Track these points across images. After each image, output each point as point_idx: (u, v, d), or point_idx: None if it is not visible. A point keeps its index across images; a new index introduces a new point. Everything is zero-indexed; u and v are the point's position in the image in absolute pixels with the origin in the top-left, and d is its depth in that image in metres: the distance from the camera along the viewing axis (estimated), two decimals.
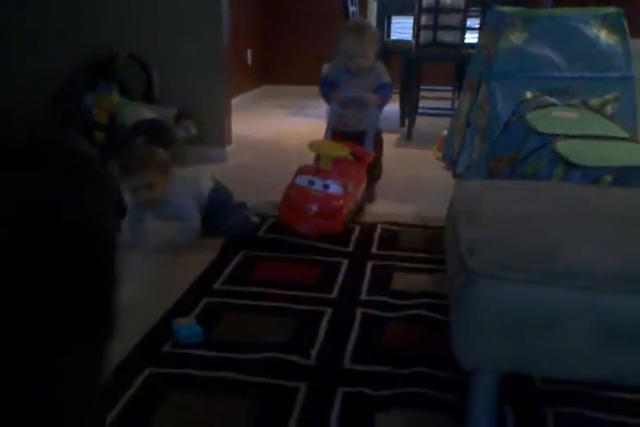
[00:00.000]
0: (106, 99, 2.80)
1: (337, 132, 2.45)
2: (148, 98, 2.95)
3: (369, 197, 2.50)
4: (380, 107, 2.39)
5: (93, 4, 3.00)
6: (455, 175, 2.74)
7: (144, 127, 2.74)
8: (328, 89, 2.42)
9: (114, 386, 1.24)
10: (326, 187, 2.08)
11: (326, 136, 2.41)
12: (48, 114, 2.82)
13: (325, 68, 2.51)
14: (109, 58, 2.90)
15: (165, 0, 2.97)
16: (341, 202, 2.08)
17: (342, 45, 2.34)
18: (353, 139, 2.36)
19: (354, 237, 2.11)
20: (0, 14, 3.05)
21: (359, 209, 2.30)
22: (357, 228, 2.19)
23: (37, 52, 3.05)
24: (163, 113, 2.86)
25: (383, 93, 2.37)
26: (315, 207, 2.05)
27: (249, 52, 4.99)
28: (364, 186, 2.33)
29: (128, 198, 1.94)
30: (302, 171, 2.15)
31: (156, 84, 2.95)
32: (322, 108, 4.65)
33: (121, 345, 1.39)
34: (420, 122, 3.80)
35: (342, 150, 2.20)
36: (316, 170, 2.15)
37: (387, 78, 2.42)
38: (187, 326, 1.45)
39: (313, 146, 2.18)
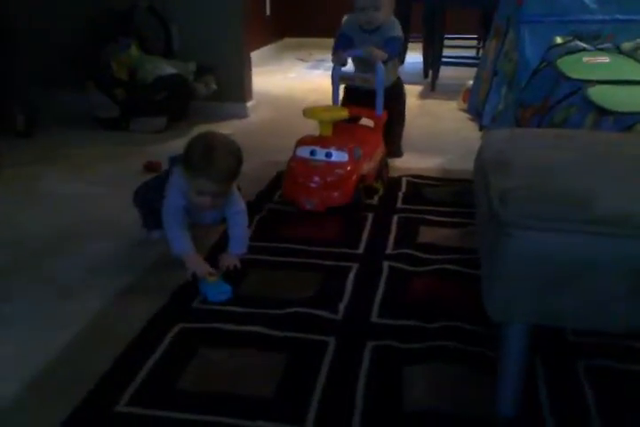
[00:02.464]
0: (125, 54, 2.75)
1: (349, 89, 2.33)
2: (167, 52, 2.90)
3: (394, 153, 2.39)
4: (386, 61, 2.17)
5: None
6: (481, 127, 2.69)
7: (164, 83, 2.70)
8: (337, 46, 2.28)
9: (147, 342, 1.26)
10: (329, 155, 1.88)
11: (334, 101, 2.25)
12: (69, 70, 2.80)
13: (344, 21, 2.34)
14: (128, 10, 2.84)
15: None
16: (347, 170, 1.87)
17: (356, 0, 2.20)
18: (366, 96, 2.19)
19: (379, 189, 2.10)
20: None
21: (377, 176, 2.11)
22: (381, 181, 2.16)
23: (55, 5, 3.00)
24: (183, 68, 2.81)
25: (390, 47, 2.18)
26: (317, 179, 1.86)
27: (267, 3, 4.86)
28: (380, 150, 2.13)
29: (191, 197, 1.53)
30: (302, 141, 1.95)
31: (175, 38, 2.90)
32: None
33: (151, 302, 1.41)
34: (444, 72, 3.71)
35: (340, 112, 1.99)
36: (316, 138, 1.95)
37: (397, 31, 2.24)
38: (214, 283, 1.45)
39: (307, 112, 1.95)
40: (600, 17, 2.28)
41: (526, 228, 0.95)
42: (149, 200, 1.65)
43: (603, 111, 1.62)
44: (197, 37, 2.97)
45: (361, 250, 1.68)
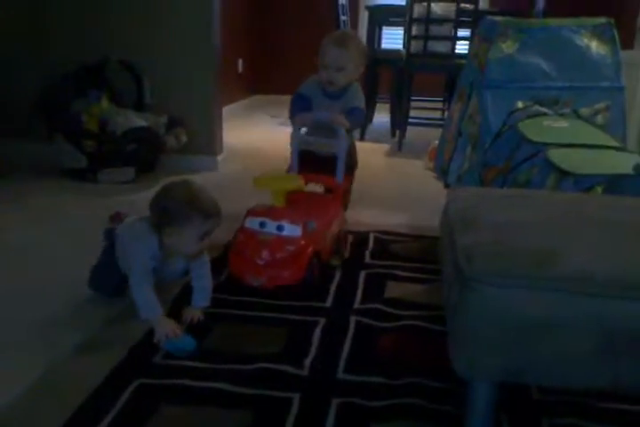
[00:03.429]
0: (95, 106, 2.78)
1: (303, 153, 2.06)
2: (138, 105, 2.93)
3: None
4: (349, 131, 2.02)
5: (84, 9, 2.99)
6: (446, 185, 2.75)
7: (134, 135, 2.71)
8: (297, 109, 2.08)
9: (102, 398, 1.22)
10: (280, 229, 1.71)
11: (291, 167, 2.05)
12: (37, 121, 2.79)
13: (307, 80, 2.14)
14: (99, 63, 2.88)
15: (157, 8, 2.97)
16: (299, 245, 1.70)
17: (320, 56, 2.02)
18: (324, 163, 2.03)
19: (347, 245, 2.10)
20: None
21: (335, 250, 1.93)
22: (350, 237, 2.17)
23: (25, 57, 3.03)
24: (153, 121, 2.84)
25: (352, 117, 2.00)
26: (266, 255, 1.68)
27: (240, 62, 4.99)
28: (338, 222, 1.96)
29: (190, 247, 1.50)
30: (252, 211, 1.77)
31: (147, 92, 2.93)
32: None
33: (109, 357, 1.36)
34: (411, 132, 3.81)
35: (295, 182, 1.80)
36: (268, 209, 1.77)
37: (360, 102, 2.07)
38: (177, 338, 1.41)
39: (258, 181, 1.75)
40: (559, 84, 2.39)
41: (490, 284, 0.96)
42: (107, 280, 1.62)
43: (563, 173, 1.68)
44: (170, 91, 3.01)
45: (328, 304, 1.68)
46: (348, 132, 2.01)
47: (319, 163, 2.05)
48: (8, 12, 3.00)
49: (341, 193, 2.04)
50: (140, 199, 2.57)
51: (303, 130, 2.11)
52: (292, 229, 1.71)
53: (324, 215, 1.88)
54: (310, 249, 1.72)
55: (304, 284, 1.70)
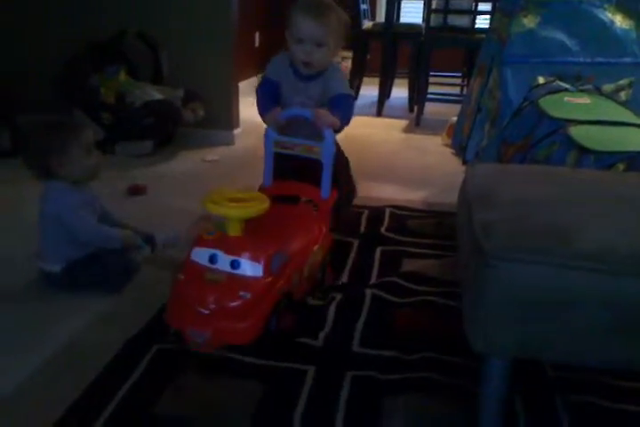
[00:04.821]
0: (113, 79, 2.78)
1: (280, 157, 1.64)
2: (155, 79, 2.93)
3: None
4: (337, 131, 1.58)
5: None
6: (464, 161, 2.73)
7: (152, 108, 2.71)
8: (265, 101, 1.64)
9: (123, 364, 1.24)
10: (235, 266, 1.29)
11: (265, 180, 1.65)
12: (55, 94, 2.80)
13: (271, 61, 1.71)
14: (117, 37, 2.87)
15: None
16: (257, 290, 1.28)
17: (292, 29, 1.58)
18: (303, 167, 1.62)
19: (363, 220, 2.10)
20: None
21: (315, 285, 1.56)
22: (366, 212, 2.17)
23: (45, 31, 3.03)
24: (171, 94, 2.83)
25: (340, 110, 1.57)
26: (213, 302, 1.27)
27: (257, 35, 4.94)
28: (321, 247, 1.55)
29: None
30: (201, 240, 1.34)
31: (165, 65, 2.92)
32: None
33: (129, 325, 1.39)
34: (429, 108, 3.77)
35: (257, 206, 1.33)
36: (221, 238, 1.33)
37: (345, 85, 1.65)
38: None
39: (209, 203, 1.30)
40: (581, 59, 2.35)
41: (508, 260, 0.96)
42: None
43: (584, 150, 1.66)
44: (187, 64, 3.00)
45: (345, 279, 1.68)
46: (337, 131, 1.59)
47: (300, 169, 1.63)
48: None
49: (328, 210, 1.60)
50: (157, 172, 2.60)
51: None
52: (250, 267, 1.29)
53: (302, 241, 1.49)
54: (275, 293, 1.32)
55: (267, 339, 1.31)
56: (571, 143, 1.72)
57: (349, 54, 4.38)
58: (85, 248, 1.56)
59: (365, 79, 4.34)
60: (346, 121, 1.60)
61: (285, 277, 1.37)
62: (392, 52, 4.06)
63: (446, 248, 1.87)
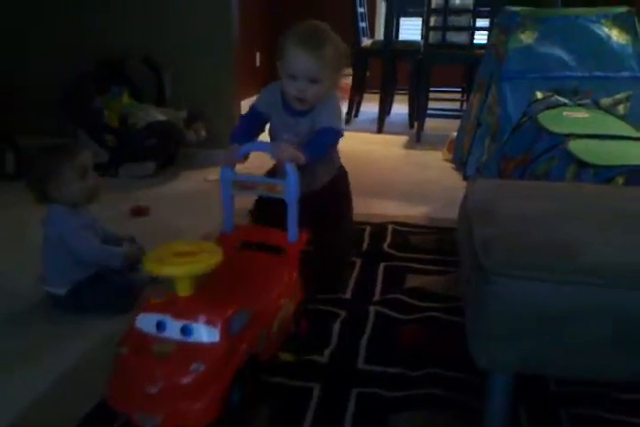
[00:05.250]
0: (116, 101, 2.82)
1: (261, 199, 1.57)
2: (158, 101, 2.96)
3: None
4: (309, 161, 1.38)
5: (104, 6, 3.02)
6: (465, 177, 2.74)
7: (154, 129, 2.74)
8: (238, 134, 1.50)
9: None
10: (186, 332, 1.10)
11: (225, 226, 1.46)
12: (59, 117, 2.83)
13: (263, 91, 1.59)
14: (120, 60, 2.91)
15: (175, 3, 2.99)
16: (213, 360, 1.09)
17: (284, 62, 1.44)
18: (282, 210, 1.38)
19: (366, 236, 2.11)
20: (11, 17, 3.07)
21: (284, 341, 1.35)
22: (368, 228, 2.19)
23: (49, 54, 3.07)
24: (173, 115, 2.87)
25: (313, 144, 1.42)
26: (161, 380, 1.06)
27: (257, 55, 5.00)
28: (291, 298, 1.36)
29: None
30: (147, 304, 1.15)
31: (167, 87, 2.96)
32: None
33: None
34: (429, 124, 3.80)
35: (208, 260, 1.13)
36: (169, 300, 1.15)
37: (333, 118, 1.48)
38: None
39: (150, 260, 1.12)
40: (579, 74, 2.37)
41: (509, 276, 0.97)
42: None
43: (583, 164, 1.67)
44: (189, 86, 3.03)
45: (348, 296, 1.69)
46: (311, 163, 1.41)
47: (276, 211, 1.40)
48: (26, 11, 3.04)
49: (297, 255, 1.41)
50: (160, 193, 2.62)
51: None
52: (204, 333, 1.10)
53: (269, 292, 1.31)
54: (237, 360, 1.12)
55: (228, 416, 1.11)
56: (570, 158, 1.73)
57: (349, 71, 4.42)
58: (89, 269, 1.57)
59: (366, 96, 4.38)
60: (318, 153, 1.44)
61: (249, 339, 1.16)
62: (392, 69, 4.11)
63: (449, 264, 1.87)
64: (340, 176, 1.67)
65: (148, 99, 2.95)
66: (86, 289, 1.55)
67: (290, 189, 1.35)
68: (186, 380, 1.06)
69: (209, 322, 1.10)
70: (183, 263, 1.11)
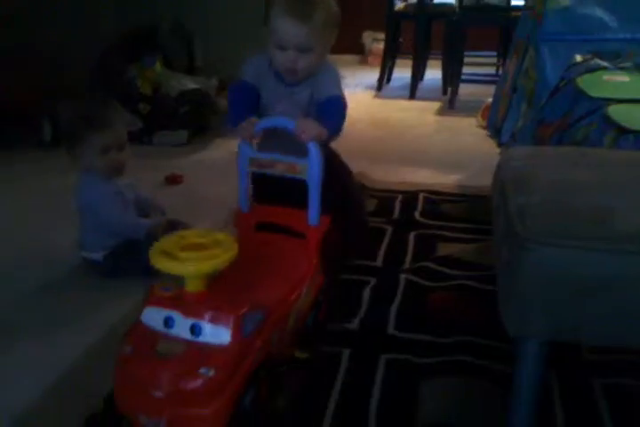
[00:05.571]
0: (149, 70, 2.83)
1: (259, 178, 1.36)
2: (190, 68, 2.97)
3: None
4: (326, 142, 1.32)
5: None
6: (500, 144, 2.69)
7: (187, 98, 2.75)
8: (237, 109, 1.34)
9: None
10: (196, 331, 1.01)
11: (241, 206, 1.37)
12: (92, 85, 2.86)
13: (248, 61, 1.47)
14: (152, 28, 2.92)
15: None
16: (222, 364, 0.99)
17: (272, 30, 1.34)
18: (290, 188, 1.29)
19: (397, 205, 2.10)
20: None
21: (301, 339, 1.25)
22: (400, 196, 2.17)
23: (82, 21, 3.07)
24: (205, 83, 2.87)
25: (331, 117, 1.30)
26: (166, 382, 0.97)
27: None
28: (311, 288, 1.26)
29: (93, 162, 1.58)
30: (154, 297, 1.05)
31: (198, 55, 2.96)
32: (361, 79, 4.60)
33: None
34: (464, 89, 3.72)
35: (222, 255, 1.02)
36: (179, 294, 1.04)
37: (337, 86, 1.38)
38: None
39: (158, 252, 1.01)
40: (621, 36, 2.28)
41: (544, 244, 0.95)
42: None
43: (623, 130, 1.63)
44: (220, 53, 3.02)
45: (379, 263, 1.69)
46: (327, 142, 1.34)
47: (288, 190, 1.30)
48: None
49: (318, 240, 1.30)
50: (193, 161, 2.64)
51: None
52: (214, 333, 1.00)
53: (285, 285, 1.20)
54: (250, 363, 1.03)
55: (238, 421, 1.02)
56: (609, 123, 1.68)
57: (381, 36, 4.34)
58: (121, 236, 1.60)
59: (398, 61, 4.30)
60: (335, 131, 1.31)
61: (263, 339, 1.06)
62: (425, 33, 4.01)
63: (481, 232, 1.86)
64: (336, 156, 1.55)
65: (180, 66, 2.95)
66: (122, 254, 1.58)
67: (313, 170, 1.24)
68: (193, 385, 0.97)
69: (220, 321, 1.00)
70: (193, 260, 0.99)
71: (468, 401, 1.16)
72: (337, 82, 1.39)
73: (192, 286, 1.03)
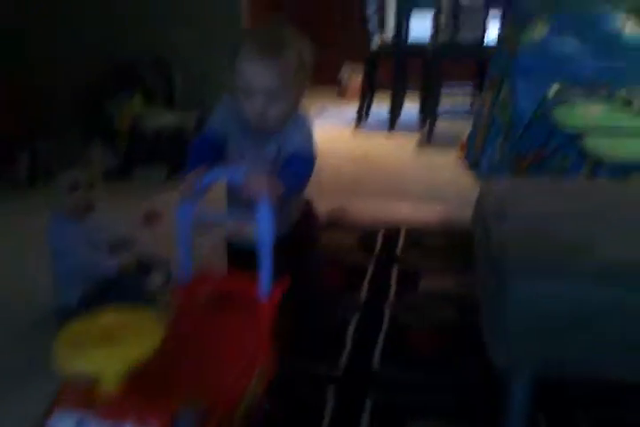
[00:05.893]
0: (127, 106, 2.82)
1: (232, 245, 1.29)
2: (169, 102, 2.98)
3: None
4: (285, 197, 1.08)
5: (114, 8, 3.03)
6: (478, 176, 2.71)
7: (166, 133, 2.76)
8: (195, 159, 1.17)
9: None
10: None
11: (180, 275, 1.16)
12: (72, 121, 2.85)
13: (217, 107, 1.29)
14: (132, 62, 2.93)
15: (186, 5, 2.99)
16: None
17: (237, 74, 1.18)
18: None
19: (379, 239, 2.09)
20: (22, 22, 3.09)
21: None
22: (381, 231, 2.16)
23: (64, 60, 3.08)
24: (184, 118, 2.88)
25: (292, 174, 1.13)
26: None
27: None
28: (263, 373, 1.06)
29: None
30: (62, 399, 0.85)
31: (178, 88, 2.98)
32: (341, 112, 4.65)
33: None
34: (441, 122, 3.76)
35: (142, 343, 0.82)
36: (93, 390, 0.82)
37: (307, 140, 1.20)
38: None
39: (63, 344, 0.81)
40: (593, 67, 2.33)
41: (527, 276, 0.95)
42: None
43: (598, 161, 1.65)
44: (199, 87, 3.04)
45: (363, 298, 1.67)
46: (285, 199, 1.10)
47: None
48: (40, 13, 3.06)
49: (270, 314, 1.08)
50: (173, 197, 2.60)
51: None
52: None
53: (229, 374, 0.97)
54: None
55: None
56: (585, 154, 1.71)
57: (361, 67, 4.38)
58: (92, 278, 1.56)
59: (376, 95, 4.34)
60: (295, 188, 1.14)
61: None
62: (402, 69, 4.07)
63: (464, 265, 1.85)
64: (309, 211, 1.35)
65: (159, 100, 2.96)
66: (97, 296, 1.54)
67: (261, 230, 1.04)
68: None
69: (145, 424, 0.80)
70: (104, 353, 0.79)
71: None
72: (308, 135, 1.20)
73: (108, 384, 0.81)
